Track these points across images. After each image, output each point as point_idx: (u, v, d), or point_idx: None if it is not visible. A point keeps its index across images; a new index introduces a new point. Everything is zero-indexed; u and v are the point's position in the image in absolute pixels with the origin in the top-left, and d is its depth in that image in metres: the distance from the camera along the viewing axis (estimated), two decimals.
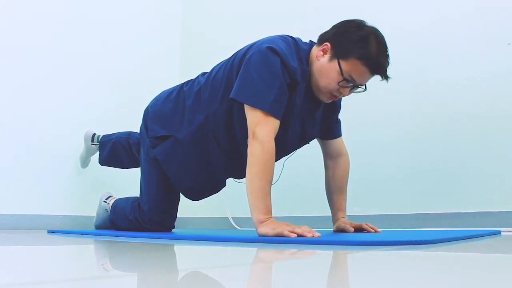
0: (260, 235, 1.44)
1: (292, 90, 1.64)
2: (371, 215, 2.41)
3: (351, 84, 1.63)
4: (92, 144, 2.52)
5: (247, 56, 1.64)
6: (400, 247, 1.18)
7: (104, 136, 2.47)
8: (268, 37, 1.69)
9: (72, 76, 2.79)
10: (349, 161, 1.94)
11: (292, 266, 0.89)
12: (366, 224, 1.79)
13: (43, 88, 2.65)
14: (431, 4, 2.47)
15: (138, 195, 2.09)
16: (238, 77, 1.64)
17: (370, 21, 1.65)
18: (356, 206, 2.39)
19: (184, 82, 1.99)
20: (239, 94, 1.60)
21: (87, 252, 1.34)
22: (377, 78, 1.66)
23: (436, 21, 2.44)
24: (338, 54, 1.61)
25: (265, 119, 1.55)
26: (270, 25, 2.84)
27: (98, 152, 2.50)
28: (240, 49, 1.75)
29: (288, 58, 1.59)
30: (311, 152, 2.05)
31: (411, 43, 2.47)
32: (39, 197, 2.59)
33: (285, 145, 1.75)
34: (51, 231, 2.29)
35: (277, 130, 1.58)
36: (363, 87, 1.67)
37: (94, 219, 2.35)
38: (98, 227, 2.32)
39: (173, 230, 2.08)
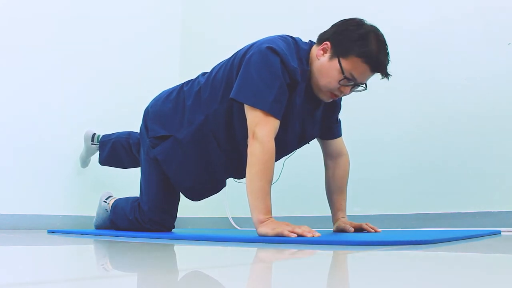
0: (260, 235, 1.44)
1: (292, 90, 1.64)
2: (371, 215, 2.41)
3: (352, 82, 1.63)
4: (92, 144, 2.52)
5: (247, 56, 1.64)
6: (400, 247, 1.18)
7: (104, 136, 2.47)
8: (268, 37, 1.69)
9: (72, 76, 2.79)
10: (349, 161, 1.94)
11: (292, 266, 0.89)
12: (366, 224, 1.79)
13: (43, 88, 2.66)
14: (431, 4, 2.47)
15: (138, 195, 2.09)
16: (238, 77, 1.64)
17: (370, 21, 1.65)
18: (356, 206, 2.39)
19: (184, 82, 1.99)
20: (239, 94, 1.60)
21: (87, 252, 1.34)
22: (377, 77, 1.66)
23: (436, 21, 2.44)
24: (338, 52, 1.61)
25: (265, 119, 1.55)
26: (270, 25, 2.84)
27: (98, 152, 2.50)
28: (240, 49, 1.75)
29: (288, 58, 1.59)
30: (311, 152, 2.05)
31: (411, 43, 2.47)
32: (39, 197, 2.59)
33: (285, 145, 1.75)
34: (51, 231, 2.29)
35: (277, 130, 1.58)
36: (364, 85, 1.67)
37: (94, 219, 2.35)
38: (98, 227, 2.32)
39: (173, 230, 2.08)
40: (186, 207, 2.37)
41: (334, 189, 1.91)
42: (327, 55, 1.63)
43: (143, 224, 1.99)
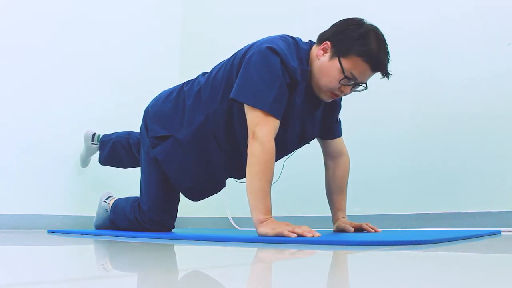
0: (260, 235, 1.44)
1: (292, 90, 1.64)
2: (371, 215, 2.41)
3: (352, 82, 1.63)
4: (92, 143, 2.52)
5: (247, 56, 1.64)
6: (400, 247, 1.18)
7: (104, 136, 2.47)
8: (268, 37, 1.69)
9: (72, 76, 2.79)
10: (349, 161, 1.94)
11: (292, 266, 0.89)
12: (366, 224, 1.79)
13: (43, 88, 2.66)
14: (431, 4, 2.47)
15: (138, 195, 2.09)
16: (238, 77, 1.64)
17: (370, 21, 1.65)
18: (356, 206, 2.39)
19: (184, 82, 1.99)
20: (239, 94, 1.60)
21: (87, 252, 1.34)
22: (377, 77, 1.66)
23: (436, 21, 2.44)
24: (338, 52, 1.61)
25: (265, 119, 1.55)
26: (270, 25, 2.84)
27: (98, 152, 2.50)
28: (240, 49, 1.75)
29: (288, 58, 1.59)
30: (311, 152, 2.05)
31: (411, 43, 2.47)
32: (39, 197, 2.59)
33: (285, 145, 1.75)
34: (51, 231, 2.29)
35: (277, 130, 1.58)
36: (364, 85, 1.67)
37: (94, 219, 2.35)
38: (98, 227, 2.32)
39: (173, 230, 2.08)
40: (186, 207, 2.37)
41: (334, 189, 1.91)
42: (328, 54, 1.63)
43: (143, 224, 1.99)
